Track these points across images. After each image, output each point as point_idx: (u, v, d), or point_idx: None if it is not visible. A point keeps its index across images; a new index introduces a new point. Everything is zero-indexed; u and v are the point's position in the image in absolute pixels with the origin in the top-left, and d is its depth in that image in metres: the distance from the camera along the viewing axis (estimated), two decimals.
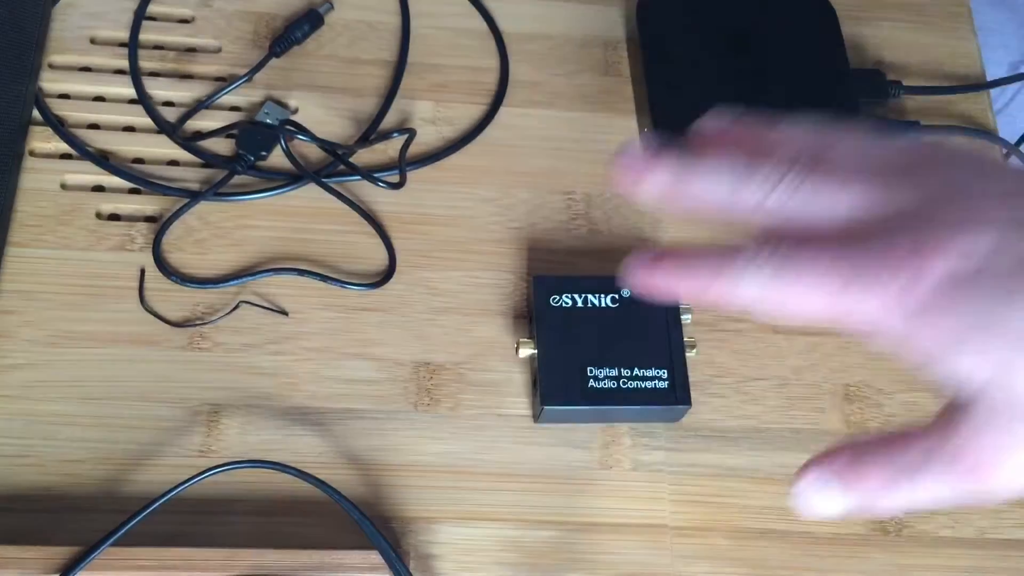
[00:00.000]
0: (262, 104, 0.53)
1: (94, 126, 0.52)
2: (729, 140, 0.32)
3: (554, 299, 0.46)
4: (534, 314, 0.47)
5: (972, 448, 0.28)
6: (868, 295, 0.28)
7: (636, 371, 0.45)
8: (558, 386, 0.45)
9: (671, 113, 0.53)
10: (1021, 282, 0.27)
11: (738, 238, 0.29)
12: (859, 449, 0.30)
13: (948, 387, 0.29)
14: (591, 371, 0.45)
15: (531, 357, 0.46)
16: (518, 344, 0.46)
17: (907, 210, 0.28)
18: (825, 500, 0.30)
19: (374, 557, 0.41)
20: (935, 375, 0.28)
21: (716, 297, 0.29)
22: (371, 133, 0.53)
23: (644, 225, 0.52)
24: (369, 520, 0.42)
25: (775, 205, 0.29)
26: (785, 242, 0.29)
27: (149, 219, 0.50)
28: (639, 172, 0.31)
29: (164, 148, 0.51)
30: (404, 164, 0.51)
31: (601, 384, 0.45)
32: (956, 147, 0.33)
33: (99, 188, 0.50)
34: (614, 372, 0.45)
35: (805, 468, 0.30)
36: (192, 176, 0.51)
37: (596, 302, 0.47)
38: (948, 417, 0.28)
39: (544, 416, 0.46)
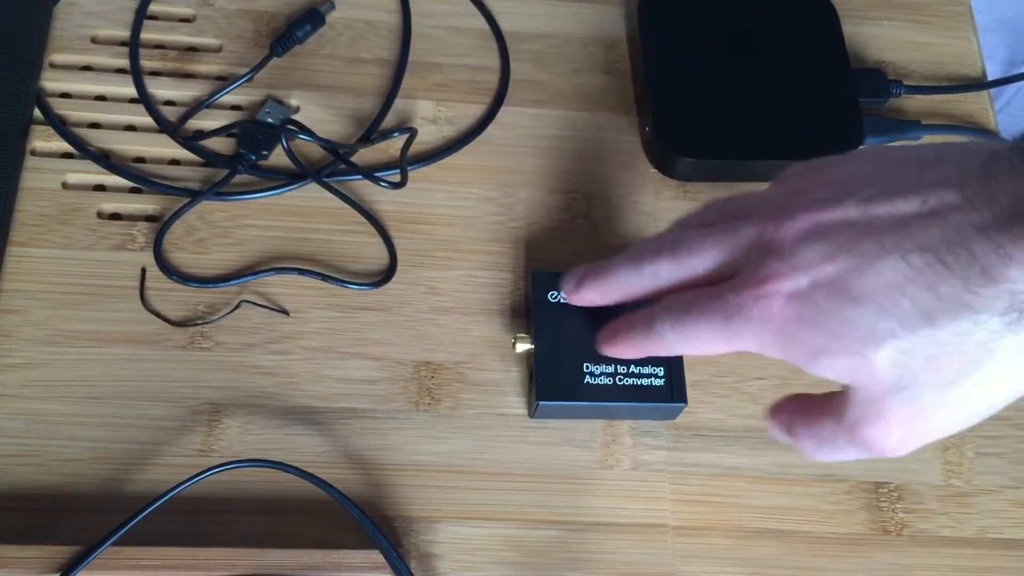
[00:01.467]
0: (263, 103, 0.53)
1: (95, 125, 0.52)
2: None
3: (552, 295, 0.46)
4: (532, 310, 0.47)
5: (860, 427, 0.33)
6: (741, 327, 0.34)
7: (632, 368, 0.45)
8: (554, 382, 0.45)
9: (671, 113, 0.53)
10: (843, 293, 0.32)
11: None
12: (793, 418, 0.37)
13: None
14: (587, 367, 0.45)
15: (528, 353, 0.47)
16: (515, 339, 0.46)
17: (743, 252, 0.35)
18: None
19: (375, 556, 0.41)
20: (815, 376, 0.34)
21: (655, 351, 0.39)
22: (372, 132, 0.53)
23: (645, 225, 0.52)
24: (370, 519, 0.42)
25: (664, 278, 0.38)
26: (678, 300, 0.37)
27: (150, 218, 0.50)
28: (574, 297, 0.43)
29: (165, 147, 0.51)
30: (405, 163, 0.51)
31: (597, 380, 0.45)
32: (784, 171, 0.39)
33: (100, 187, 0.50)
34: (610, 369, 0.45)
35: (765, 413, 0.39)
36: (193, 175, 0.51)
37: None
38: (844, 395, 0.34)
39: (539, 412, 0.46)
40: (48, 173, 0.50)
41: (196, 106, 0.52)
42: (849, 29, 0.57)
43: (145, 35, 0.54)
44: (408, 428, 0.46)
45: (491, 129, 0.54)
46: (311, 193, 0.51)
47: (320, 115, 0.53)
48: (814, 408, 0.36)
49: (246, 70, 0.53)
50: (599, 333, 0.43)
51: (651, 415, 0.47)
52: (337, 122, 0.53)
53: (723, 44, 0.55)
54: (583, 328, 0.45)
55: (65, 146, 0.50)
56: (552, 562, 0.44)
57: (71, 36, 0.54)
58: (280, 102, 0.53)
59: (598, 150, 0.54)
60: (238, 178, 0.50)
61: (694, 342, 0.37)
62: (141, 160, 0.51)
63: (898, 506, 0.47)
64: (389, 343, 0.48)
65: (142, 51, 0.54)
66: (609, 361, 0.45)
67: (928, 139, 0.56)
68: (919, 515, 0.47)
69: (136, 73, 0.53)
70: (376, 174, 0.51)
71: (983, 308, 0.30)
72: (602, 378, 0.45)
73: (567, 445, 0.47)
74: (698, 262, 0.37)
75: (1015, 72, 0.64)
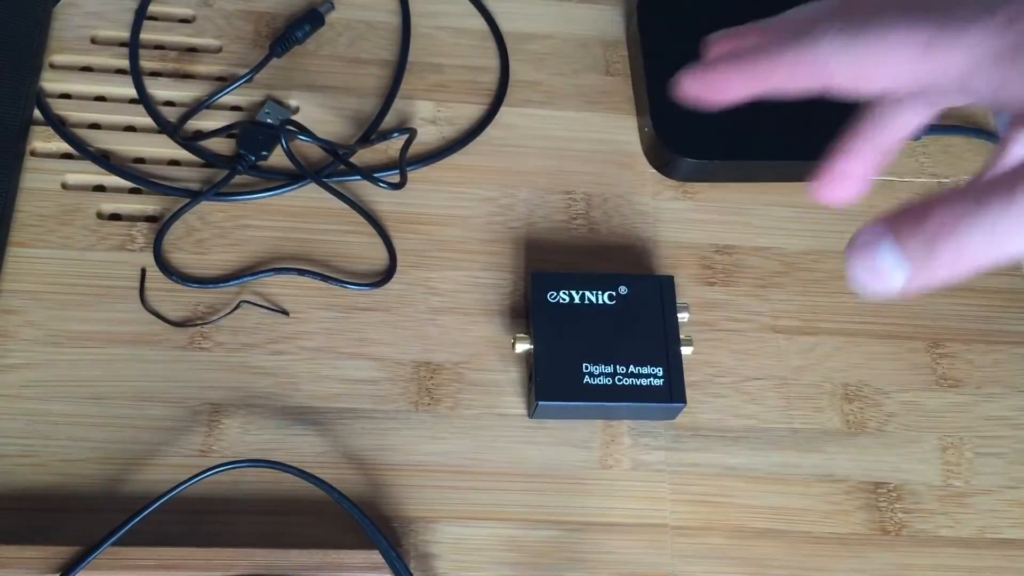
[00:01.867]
0: (263, 104, 0.53)
1: (95, 126, 0.52)
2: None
3: (551, 295, 0.46)
4: (531, 310, 0.47)
5: None
6: (958, 43, 0.24)
7: (632, 368, 0.45)
8: (553, 382, 0.45)
9: (671, 113, 0.53)
10: None
11: None
12: (925, 199, 0.24)
13: None
14: (587, 367, 0.45)
15: (527, 353, 0.47)
16: (515, 339, 0.46)
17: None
18: (878, 265, 0.24)
19: (374, 556, 0.41)
20: None
21: (790, 70, 0.27)
22: (371, 133, 0.53)
23: (644, 225, 0.52)
24: (369, 519, 0.42)
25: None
26: (860, 7, 0.26)
27: (150, 219, 0.50)
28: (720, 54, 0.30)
29: (165, 148, 0.51)
30: (404, 164, 0.51)
31: (596, 381, 0.45)
32: None
33: (100, 188, 0.50)
34: (609, 369, 0.45)
35: (858, 232, 0.24)
36: (193, 176, 0.51)
37: (593, 299, 0.47)
38: None
39: (538, 412, 0.46)
40: (48, 174, 0.50)
41: (196, 107, 0.52)
42: None
43: (145, 35, 0.54)
44: (407, 428, 0.46)
45: (491, 129, 0.54)
46: (311, 193, 0.51)
47: (320, 116, 0.53)
48: (997, 178, 0.23)
49: (246, 71, 0.53)
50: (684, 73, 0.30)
51: (651, 415, 0.47)
52: (336, 123, 0.53)
53: None
54: (582, 327, 0.45)
55: (65, 147, 0.51)
56: (551, 562, 0.44)
57: (71, 36, 0.54)
58: (280, 103, 0.53)
59: (598, 150, 0.54)
60: (238, 178, 0.51)
61: (868, 52, 0.25)
62: (141, 160, 0.51)
63: (897, 506, 0.47)
64: (389, 343, 0.48)
65: (142, 52, 0.54)
66: (608, 361, 0.45)
67: (927, 140, 0.56)
68: (918, 515, 0.47)
69: (136, 74, 0.53)
70: (375, 175, 0.51)
71: None
72: (601, 378, 0.45)
73: (566, 445, 0.47)
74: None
75: None
